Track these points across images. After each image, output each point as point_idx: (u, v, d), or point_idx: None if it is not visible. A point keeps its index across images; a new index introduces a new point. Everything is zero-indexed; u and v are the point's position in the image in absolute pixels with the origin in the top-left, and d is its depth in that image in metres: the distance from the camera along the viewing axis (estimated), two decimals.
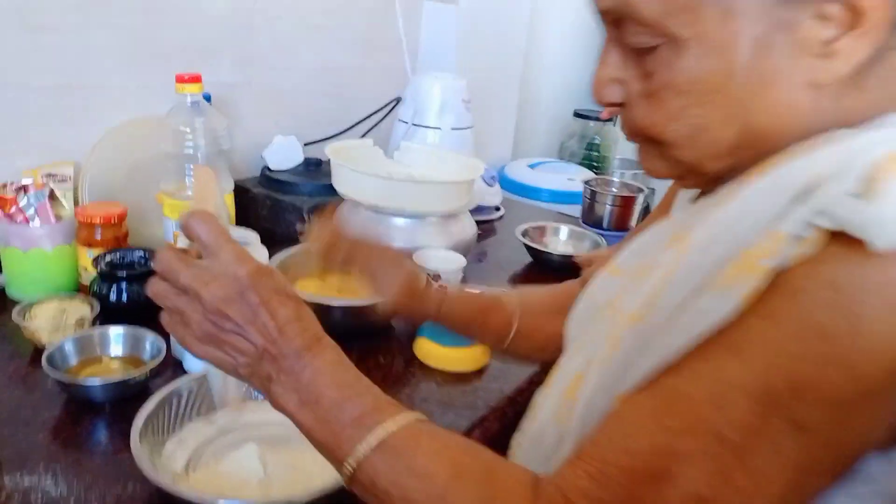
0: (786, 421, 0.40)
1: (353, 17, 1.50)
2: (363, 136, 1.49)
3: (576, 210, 1.60)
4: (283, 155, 1.35)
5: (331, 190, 1.23)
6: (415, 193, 1.14)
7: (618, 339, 0.48)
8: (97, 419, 0.78)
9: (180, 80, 0.98)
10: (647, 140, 0.52)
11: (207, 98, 1.22)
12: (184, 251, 0.56)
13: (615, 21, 0.49)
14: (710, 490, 0.40)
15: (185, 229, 0.54)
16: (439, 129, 1.46)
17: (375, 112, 1.49)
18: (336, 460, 0.50)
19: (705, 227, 0.46)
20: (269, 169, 1.35)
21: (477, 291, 0.87)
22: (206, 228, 0.53)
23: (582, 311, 0.65)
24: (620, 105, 0.52)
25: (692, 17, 0.46)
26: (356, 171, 1.13)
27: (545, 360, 0.81)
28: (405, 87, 1.52)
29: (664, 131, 0.50)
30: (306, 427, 0.51)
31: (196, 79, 0.98)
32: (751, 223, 0.43)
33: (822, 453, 0.41)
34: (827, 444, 0.41)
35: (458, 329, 0.84)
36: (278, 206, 1.27)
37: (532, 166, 1.86)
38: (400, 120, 1.50)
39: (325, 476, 0.67)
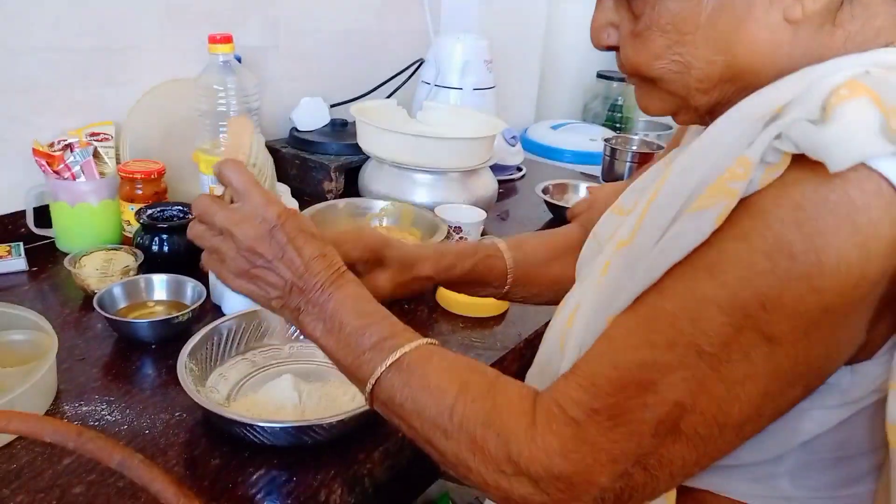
0: (756, 332, 0.43)
1: None
2: (388, 97, 1.53)
3: (598, 171, 1.63)
4: (311, 116, 1.39)
5: (356, 149, 1.28)
6: (436, 150, 1.18)
7: (607, 265, 0.52)
8: (144, 356, 0.84)
9: (212, 40, 1.02)
10: (641, 78, 0.55)
11: (238, 60, 1.27)
12: (218, 197, 0.61)
13: None
14: (690, 397, 0.44)
15: (219, 176, 0.59)
16: (461, 89, 1.50)
17: (399, 73, 1.53)
18: (359, 381, 0.56)
19: (685, 154, 0.50)
20: (297, 129, 1.40)
21: (469, 244, 0.85)
22: (236, 175, 0.58)
23: (586, 250, 0.69)
24: (617, 48, 0.56)
25: None
26: (380, 129, 1.18)
27: (546, 303, 0.85)
28: (428, 48, 1.56)
29: (652, 68, 0.53)
30: (332, 352, 0.57)
31: (227, 39, 1.02)
32: (724, 149, 0.46)
33: (792, 363, 0.44)
34: (795, 355, 0.44)
35: (457, 289, 0.83)
36: (306, 164, 1.32)
37: (555, 128, 1.88)
38: (423, 81, 1.53)
39: (353, 404, 0.73)
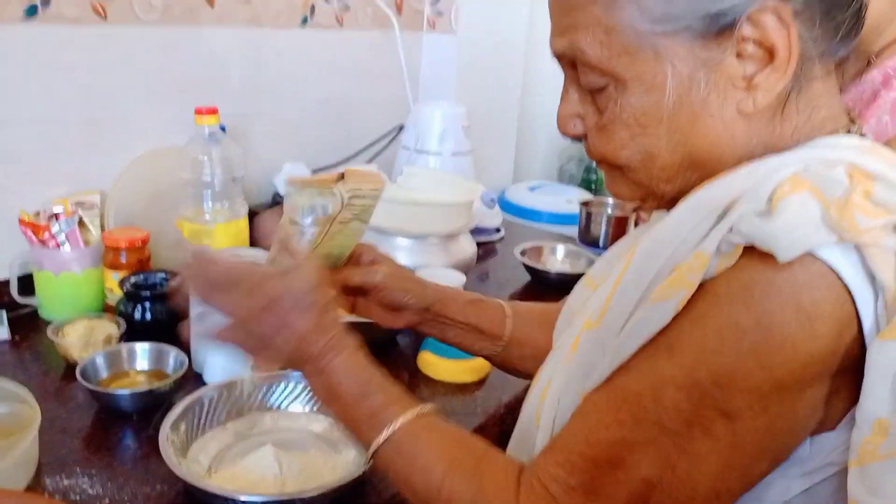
0: (714, 409, 0.46)
1: (356, 49, 1.58)
2: (369, 161, 1.57)
3: (574, 231, 1.67)
4: None
5: None
6: (416, 215, 1.21)
7: (577, 342, 0.55)
8: (126, 427, 0.85)
9: (199, 112, 1.06)
10: (609, 165, 0.59)
11: (223, 129, 1.30)
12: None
13: (570, 63, 0.56)
14: (656, 473, 0.47)
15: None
16: (440, 154, 1.54)
17: (379, 139, 1.58)
18: (362, 446, 0.61)
19: (648, 239, 0.53)
20: (279, 195, 1.42)
21: (475, 296, 0.87)
22: (227, 266, 0.63)
23: (560, 319, 0.72)
24: (584, 136, 0.59)
25: (630, 60, 0.53)
26: None
27: (529, 374, 0.87)
28: (407, 115, 1.61)
29: (618, 157, 0.56)
30: (335, 416, 0.62)
31: (213, 111, 1.06)
32: (681, 241, 0.50)
33: (754, 438, 0.47)
34: (756, 430, 0.47)
35: (453, 335, 0.84)
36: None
37: (532, 189, 1.93)
38: (403, 147, 1.58)
39: (334, 475, 0.74)
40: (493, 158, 1.81)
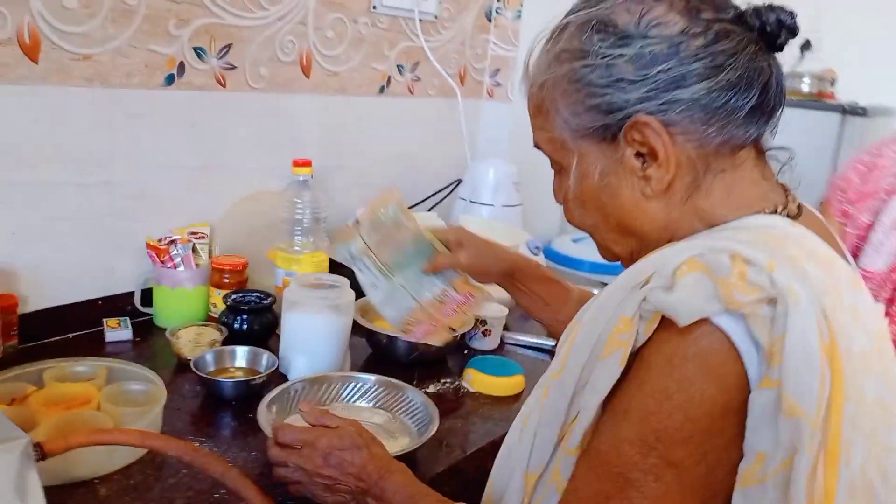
0: (661, 459, 0.56)
1: (423, 113, 1.82)
2: (430, 209, 1.79)
3: (613, 279, 1.83)
4: None
5: None
6: None
7: (546, 390, 0.69)
8: (227, 410, 1.05)
9: (296, 163, 1.29)
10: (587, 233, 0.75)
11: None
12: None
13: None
14: None
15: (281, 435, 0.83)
16: (493, 205, 1.75)
17: (440, 190, 1.80)
18: None
19: (589, 312, 0.66)
20: None
21: (550, 275, 1.09)
22: (294, 432, 0.83)
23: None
24: None
25: (564, 154, 0.70)
26: None
27: None
28: (465, 170, 1.83)
29: (575, 225, 0.74)
30: None
31: (307, 163, 1.29)
32: (611, 310, 0.61)
33: (700, 482, 0.56)
34: (699, 475, 0.56)
35: (524, 301, 1.07)
36: None
37: (575, 241, 2.11)
38: (460, 197, 1.79)
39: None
40: (540, 212, 2.00)
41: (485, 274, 1.04)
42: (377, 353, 1.27)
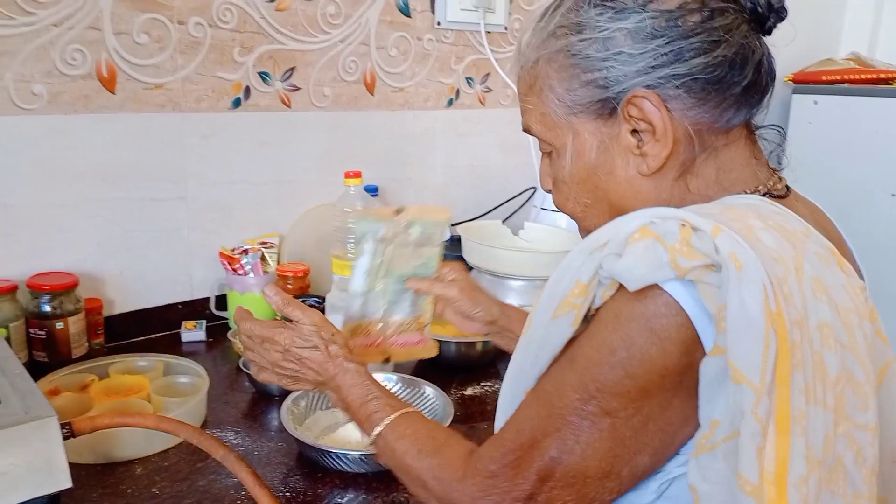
0: (597, 407, 0.57)
1: (495, 124, 1.85)
2: (506, 218, 1.81)
3: None
4: None
5: (464, 259, 1.55)
6: (522, 261, 1.42)
7: (516, 348, 0.68)
8: (272, 405, 1.13)
9: (347, 175, 1.36)
10: (570, 218, 0.74)
11: (374, 189, 1.61)
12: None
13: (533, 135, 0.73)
14: (558, 453, 0.59)
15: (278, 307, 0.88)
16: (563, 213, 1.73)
17: (512, 199, 1.81)
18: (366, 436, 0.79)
19: (553, 274, 0.64)
20: None
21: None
22: (254, 326, 0.88)
23: None
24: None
25: (558, 133, 0.69)
26: (476, 244, 1.44)
27: None
28: (537, 179, 1.82)
29: (566, 209, 0.74)
30: (349, 417, 0.82)
31: (357, 174, 1.35)
32: (571, 273, 0.60)
33: (630, 433, 0.57)
34: (633, 427, 0.57)
35: (512, 337, 1.01)
36: None
37: None
38: (532, 205, 1.79)
39: None
40: None
41: (470, 315, 0.99)
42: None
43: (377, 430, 0.76)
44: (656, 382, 0.56)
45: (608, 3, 0.65)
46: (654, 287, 0.55)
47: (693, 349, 0.55)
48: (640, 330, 0.56)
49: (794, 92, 2.28)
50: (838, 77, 2.21)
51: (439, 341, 1.23)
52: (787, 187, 0.70)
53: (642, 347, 0.56)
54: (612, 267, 0.57)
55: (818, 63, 2.34)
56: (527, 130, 0.75)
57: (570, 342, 0.61)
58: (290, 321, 0.87)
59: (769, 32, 0.68)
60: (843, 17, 2.60)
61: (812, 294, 0.56)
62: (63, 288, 1.19)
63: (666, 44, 0.63)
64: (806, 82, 2.27)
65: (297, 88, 1.47)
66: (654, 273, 0.55)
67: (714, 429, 0.56)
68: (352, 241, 1.36)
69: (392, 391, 1.08)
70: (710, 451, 0.56)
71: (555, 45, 0.68)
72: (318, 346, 0.84)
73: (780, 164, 0.74)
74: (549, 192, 0.77)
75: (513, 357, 0.70)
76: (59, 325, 1.19)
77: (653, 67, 0.63)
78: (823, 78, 2.24)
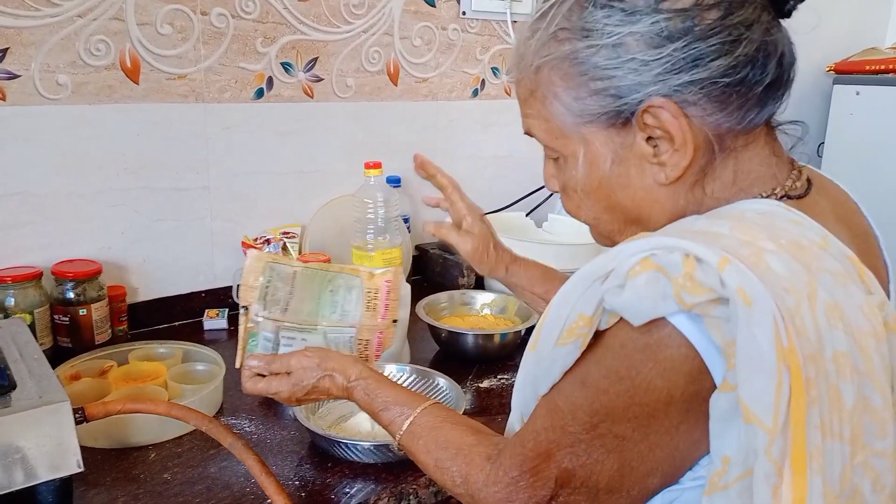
0: (607, 430, 0.58)
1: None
2: (530, 211, 1.78)
3: None
4: None
5: None
6: (545, 253, 1.40)
7: (524, 360, 0.68)
8: None
9: (367, 166, 1.36)
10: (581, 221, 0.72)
11: (396, 181, 1.61)
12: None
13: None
14: (572, 465, 0.59)
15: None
16: None
17: (537, 190, 1.78)
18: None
19: (556, 296, 0.62)
20: None
21: (548, 269, 1.08)
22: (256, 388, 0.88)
23: None
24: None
25: (566, 142, 0.65)
26: (500, 237, 1.42)
27: None
28: None
29: (578, 217, 0.71)
30: (374, 420, 0.82)
31: (377, 165, 1.35)
32: (573, 301, 0.58)
33: (638, 457, 0.57)
34: (639, 451, 0.57)
35: (521, 291, 1.07)
36: (446, 263, 1.61)
37: None
38: (557, 197, 1.77)
39: None
40: None
41: (484, 263, 1.04)
42: (442, 347, 1.31)
43: (399, 434, 0.77)
44: (662, 410, 0.56)
45: (615, 4, 0.60)
46: (661, 319, 0.54)
47: (700, 378, 0.54)
48: (645, 360, 0.55)
49: (836, 82, 2.21)
50: (882, 67, 2.13)
51: (457, 333, 1.23)
52: (809, 180, 0.66)
53: (647, 377, 0.55)
54: (614, 301, 0.55)
55: (862, 52, 2.26)
56: (529, 134, 0.71)
57: (584, 355, 0.60)
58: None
59: (789, 15, 0.64)
60: (890, 5, 2.50)
61: (827, 322, 0.53)
62: (86, 275, 1.22)
63: (683, 47, 0.59)
64: (848, 72, 2.19)
65: (319, 79, 1.48)
66: (658, 306, 0.53)
67: (726, 466, 0.54)
68: (371, 232, 1.36)
69: (404, 384, 1.09)
70: (723, 491, 0.54)
71: (558, 51, 0.63)
72: (318, 383, 0.85)
73: (800, 158, 0.70)
74: (555, 192, 0.75)
75: (521, 366, 0.69)
76: (83, 311, 1.21)
77: (669, 74, 0.59)
78: (867, 68, 2.16)
